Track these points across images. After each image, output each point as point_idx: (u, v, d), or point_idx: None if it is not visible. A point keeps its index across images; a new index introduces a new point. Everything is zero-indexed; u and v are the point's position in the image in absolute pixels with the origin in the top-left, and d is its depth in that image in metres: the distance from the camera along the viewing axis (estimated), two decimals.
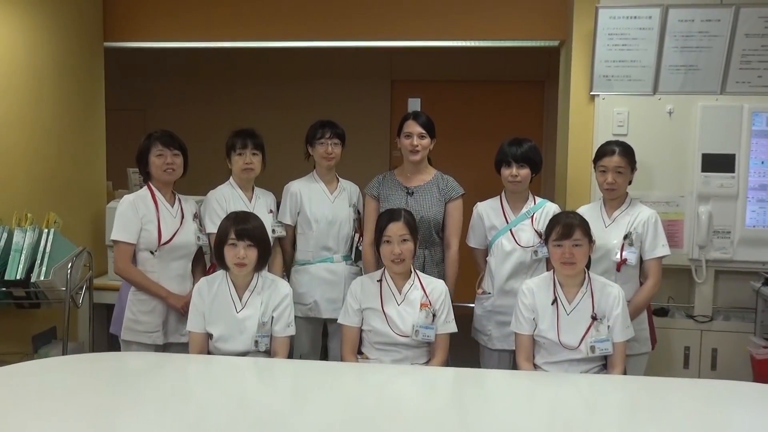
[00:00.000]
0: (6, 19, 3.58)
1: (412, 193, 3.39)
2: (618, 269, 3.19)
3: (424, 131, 3.35)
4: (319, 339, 3.57)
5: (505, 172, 3.28)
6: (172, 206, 3.26)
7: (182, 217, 3.27)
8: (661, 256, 3.22)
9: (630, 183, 3.31)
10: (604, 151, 3.28)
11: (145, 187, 3.26)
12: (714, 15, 3.72)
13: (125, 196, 3.25)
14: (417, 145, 3.34)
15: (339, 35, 4.39)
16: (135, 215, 3.15)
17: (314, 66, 6.25)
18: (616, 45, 3.80)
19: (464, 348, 3.37)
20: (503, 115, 6.19)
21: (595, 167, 3.31)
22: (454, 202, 3.40)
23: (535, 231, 3.27)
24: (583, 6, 3.90)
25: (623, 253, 3.18)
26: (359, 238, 3.60)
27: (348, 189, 3.55)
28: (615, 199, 3.29)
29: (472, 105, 6.32)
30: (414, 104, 6.35)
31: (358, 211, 3.56)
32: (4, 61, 3.57)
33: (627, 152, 3.25)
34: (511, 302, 3.09)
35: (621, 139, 3.50)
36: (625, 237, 3.20)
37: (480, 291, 3.40)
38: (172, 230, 3.21)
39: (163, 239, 3.17)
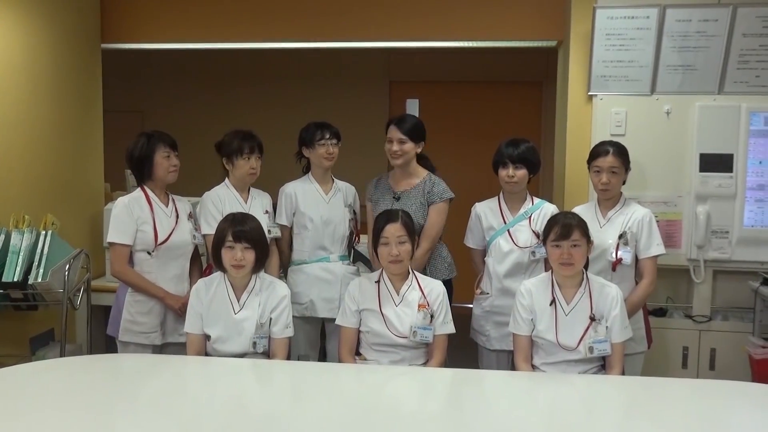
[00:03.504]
0: (3, 21, 3.58)
1: (398, 198, 3.39)
2: (613, 269, 3.19)
3: (404, 137, 3.34)
4: (317, 339, 3.57)
5: (502, 172, 3.28)
6: (167, 206, 3.26)
7: (177, 216, 3.27)
8: (656, 255, 3.22)
9: (624, 183, 3.31)
10: (598, 151, 3.29)
11: (139, 189, 3.25)
12: (711, 15, 3.72)
13: (119, 199, 3.25)
14: (397, 151, 3.36)
15: (337, 36, 4.39)
16: (130, 217, 3.15)
17: (312, 67, 6.25)
18: (614, 45, 3.80)
19: (463, 349, 3.37)
20: (501, 115, 6.19)
21: (589, 168, 3.31)
22: (436, 205, 3.37)
23: (533, 231, 3.26)
24: (581, 6, 3.90)
25: (618, 253, 3.18)
26: (356, 239, 3.60)
27: (343, 189, 3.55)
28: (609, 199, 3.29)
29: (470, 106, 6.32)
30: (412, 105, 6.36)
31: (354, 211, 3.56)
32: (1, 62, 3.57)
33: (621, 152, 3.25)
34: (510, 303, 3.09)
35: (619, 139, 3.50)
36: (620, 236, 3.20)
37: (478, 291, 3.40)
38: (167, 230, 3.21)
39: (160, 239, 3.17)
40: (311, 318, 3.46)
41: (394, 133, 3.37)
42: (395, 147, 3.36)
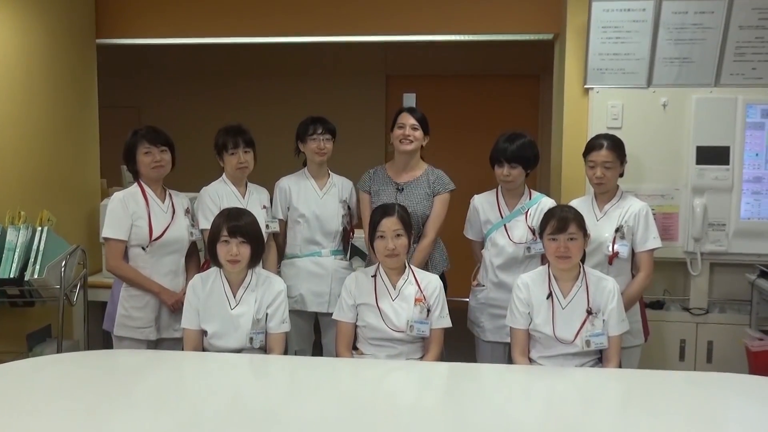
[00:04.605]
0: None
1: (402, 189, 3.40)
2: (610, 262, 3.18)
3: (417, 123, 3.38)
4: (310, 333, 3.56)
5: (498, 171, 3.28)
6: (163, 202, 3.25)
7: (173, 212, 3.26)
8: (653, 248, 3.21)
9: (622, 176, 3.30)
10: (592, 145, 3.28)
11: (135, 184, 3.25)
12: (708, 7, 3.71)
13: (115, 194, 3.24)
14: (409, 135, 3.37)
15: (334, 30, 4.38)
16: (125, 212, 3.15)
17: (309, 61, 6.23)
18: (610, 38, 3.79)
19: (461, 341, 3.38)
20: (499, 109, 6.19)
21: (584, 161, 3.31)
22: (441, 196, 3.42)
23: (529, 227, 3.26)
24: None
25: (615, 246, 3.18)
26: (351, 235, 3.59)
27: (339, 185, 3.55)
28: (606, 192, 3.28)
29: (467, 99, 6.32)
30: (409, 99, 6.35)
31: (349, 206, 3.55)
32: None
33: (616, 146, 3.24)
34: (504, 296, 3.10)
35: (615, 132, 3.51)
36: (617, 230, 3.20)
37: (475, 283, 3.42)
38: (163, 226, 3.20)
39: (154, 235, 3.17)
40: (302, 312, 3.46)
41: (407, 118, 3.39)
42: (408, 131, 3.37)
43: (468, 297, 3.46)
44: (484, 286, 3.34)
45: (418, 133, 3.38)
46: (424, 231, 3.40)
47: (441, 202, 3.42)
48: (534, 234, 3.20)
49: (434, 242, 3.42)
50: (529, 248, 3.24)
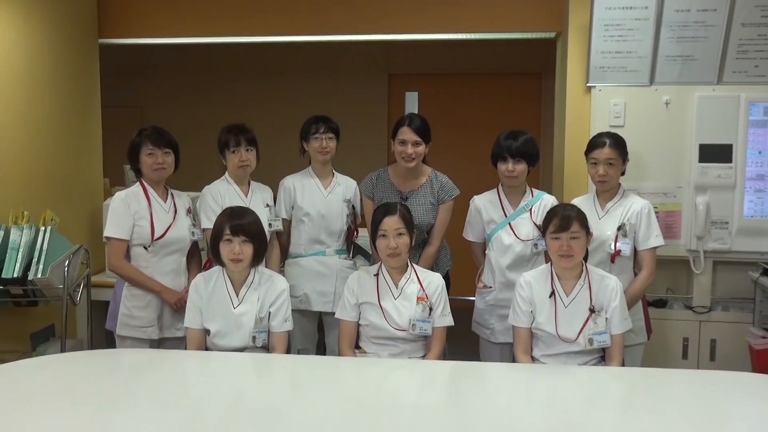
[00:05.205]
0: (0, 17, 3.57)
1: (406, 198, 3.38)
2: (612, 260, 3.18)
3: (419, 138, 3.31)
4: (314, 332, 3.57)
5: (501, 167, 3.26)
6: (165, 201, 3.26)
7: (175, 212, 3.27)
8: (655, 246, 3.21)
9: (623, 174, 3.30)
10: (594, 143, 3.28)
11: (138, 184, 3.26)
12: (710, 4, 3.71)
13: (117, 193, 3.25)
14: (412, 154, 3.31)
15: (335, 29, 4.38)
16: (127, 211, 3.15)
17: (311, 60, 6.24)
18: (612, 36, 3.79)
19: (464, 341, 3.37)
20: (501, 107, 6.18)
21: (587, 159, 3.30)
22: (445, 204, 3.41)
23: (534, 224, 3.25)
24: None
25: (617, 245, 3.17)
26: (355, 234, 3.60)
27: (343, 184, 3.54)
28: (608, 190, 3.28)
29: (469, 98, 6.31)
30: (411, 99, 6.35)
31: (353, 206, 3.54)
32: None
33: (618, 144, 3.24)
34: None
35: (617, 130, 3.50)
36: (619, 228, 3.19)
37: (480, 285, 3.39)
38: (165, 225, 3.20)
39: (156, 234, 3.17)
40: (307, 311, 3.46)
41: (409, 135, 3.30)
42: (410, 150, 3.31)
43: (469, 296, 3.45)
44: (491, 287, 3.32)
45: (421, 149, 3.32)
46: (429, 239, 3.39)
47: (446, 210, 3.40)
48: (540, 230, 3.19)
49: (439, 249, 3.41)
50: (536, 245, 3.23)
